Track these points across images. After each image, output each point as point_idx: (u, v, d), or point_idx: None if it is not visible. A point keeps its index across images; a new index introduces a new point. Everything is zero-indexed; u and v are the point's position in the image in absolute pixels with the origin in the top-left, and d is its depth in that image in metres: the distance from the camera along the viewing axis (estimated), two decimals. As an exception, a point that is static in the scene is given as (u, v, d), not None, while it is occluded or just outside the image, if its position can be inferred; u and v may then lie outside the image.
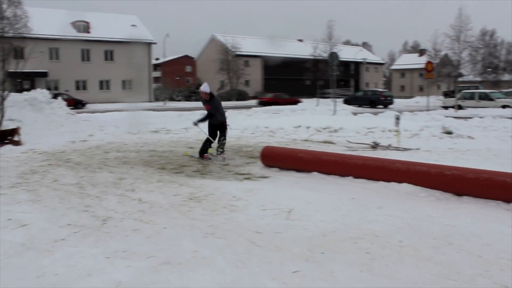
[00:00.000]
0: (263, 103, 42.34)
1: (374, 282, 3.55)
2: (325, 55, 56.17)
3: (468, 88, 42.03)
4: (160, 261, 3.93)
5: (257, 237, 4.54)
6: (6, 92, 14.33)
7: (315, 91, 51.04)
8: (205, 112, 9.76)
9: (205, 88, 9.69)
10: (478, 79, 59.63)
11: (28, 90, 19.51)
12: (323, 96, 49.68)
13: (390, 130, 14.07)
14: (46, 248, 4.34)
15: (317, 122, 16.67)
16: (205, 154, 9.81)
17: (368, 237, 4.52)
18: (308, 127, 15.80)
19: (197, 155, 9.82)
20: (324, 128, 15.47)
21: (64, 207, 5.72)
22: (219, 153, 9.45)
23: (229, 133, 14.71)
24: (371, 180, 6.82)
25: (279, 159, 8.12)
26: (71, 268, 3.83)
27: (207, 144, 9.78)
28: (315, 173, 7.48)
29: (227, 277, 3.64)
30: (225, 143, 9.65)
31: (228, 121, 10.19)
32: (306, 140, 12.87)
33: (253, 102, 48.49)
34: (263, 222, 5.04)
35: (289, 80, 69.12)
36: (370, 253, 4.10)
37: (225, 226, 4.89)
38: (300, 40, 77.13)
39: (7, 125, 13.97)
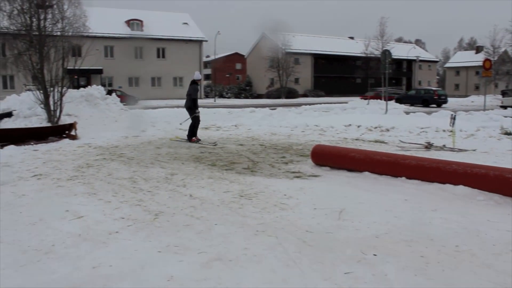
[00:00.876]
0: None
1: (430, 287, 3.43)
2: (376, 52, 55.31)
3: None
4: (211, 257, 3.95)
5: (308, 237, 4.49)
6: (64, 89, 14.87)
7: (366, 89, 50.23)
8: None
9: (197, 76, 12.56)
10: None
11: (84, 86, 20.13)
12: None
13: (444, 130, 13.64)
14: (101, 240, 4.46)
15: (368, 121, 16.39)
16: (193, 138, 11.72)
17: (422, 240, 4.38)
18: (359, 126, 15.55)
19: (185, 139, 11.69)
20: (375, 127, 15.19)
21: (118, 201, 5.87)
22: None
23: (279, 131, 14.79)
24: (425, 182, 6.62)
25: (330, 158, 8.02)
26: (125, 261, 3.91)
27: (194, 127, 11.88)
28: (366, 173, 7.33)
29: (277, 275, 3.61)
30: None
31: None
32: (357, 139, 12.66)
33: (303, 100, 48.11)
34: (314, 222, 4.98)
35: (339, 78, 68.37)
36: (424, 257, 3.97)
37: (275, 224, 4.87)
38: (351, 38, 76.11)
39: (65, 120, 14.49)
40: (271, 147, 10.92)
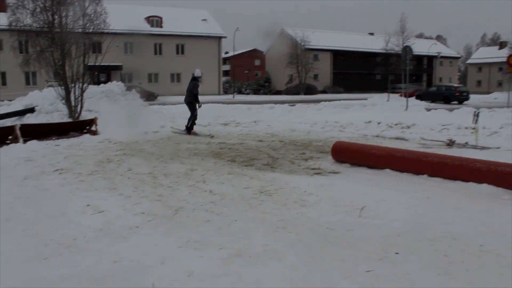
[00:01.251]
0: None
1: (453, 287, 3.36)
2: (397, 48, 54.71)
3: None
4: (231, 253, 3.94)
5: (329, 234, 4.45)
6: (85, 85, 15.03)
7: (386, 86, 49.68)
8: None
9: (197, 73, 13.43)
10: None
11: (104, 82, 20.33)
12: (394, 91, 48.21)
13: (466, 128, 13.43)
14: (121, 235, 4.48)
15: (388, 117, 16.23)
16: (192, 130, 12.62)
17: (445, 239, 4.30)
18: (379, 123, 15.41)
19: (184, 130, 12.63)
20: (396, 124, 15.03)
21: (138, 196, 5.90)
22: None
23: (299, 127, 14.73)
24: (448, 180, 6.51)
25: (350, 154, 7.95)
26: (145, 255, 3.92)
27: (192, 120, 12.82)
28: (387, 170, 7.25)
29: (298, 272, 3.58)
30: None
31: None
32: (377, 136, 12.53)
33: (322, 96, 47.85)
34: (335, 219, 4.93)
35: (359, 75, 67.82)
36: (448, 256, 3.90)
37: (296, 221, 4.84)
38: (371, 34, 75.41)
39: (86, 115, 14.64)
40: (290, 144, 10.88)
